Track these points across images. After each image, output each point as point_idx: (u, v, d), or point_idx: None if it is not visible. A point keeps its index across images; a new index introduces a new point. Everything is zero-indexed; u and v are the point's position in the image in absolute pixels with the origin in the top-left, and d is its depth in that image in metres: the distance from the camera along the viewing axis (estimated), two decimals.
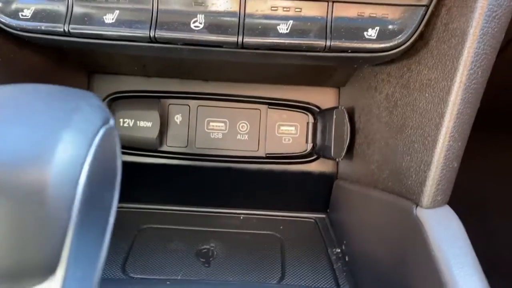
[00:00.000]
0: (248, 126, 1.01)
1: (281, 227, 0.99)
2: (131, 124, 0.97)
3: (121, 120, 0.98)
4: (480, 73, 0.59)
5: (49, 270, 0.34)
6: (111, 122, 0.41)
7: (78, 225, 0.35)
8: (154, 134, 0.97)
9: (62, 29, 0.64)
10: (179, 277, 0.82)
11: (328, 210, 1.04)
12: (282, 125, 1.01)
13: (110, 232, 0.42)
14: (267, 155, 1.01)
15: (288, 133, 1.01)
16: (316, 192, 1.04)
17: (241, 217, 1.01)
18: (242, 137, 1.01)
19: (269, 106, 1.01)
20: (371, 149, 0.82)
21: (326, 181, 1.02)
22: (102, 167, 0.38)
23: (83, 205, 0.35)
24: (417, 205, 0.64)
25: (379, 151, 0.79)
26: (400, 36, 0.64)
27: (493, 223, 1.42)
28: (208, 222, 0.98)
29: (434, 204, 0.64)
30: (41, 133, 0.35)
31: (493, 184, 1.44)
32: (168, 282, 0.69)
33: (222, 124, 1.01)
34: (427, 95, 0.65)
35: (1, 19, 0.65)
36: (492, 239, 1.37)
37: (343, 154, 0.88)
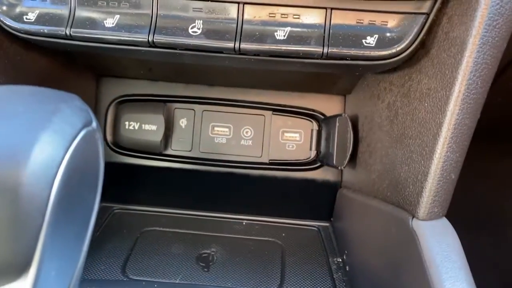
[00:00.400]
0: (252, 131, 1.01)
1: (283, 234, 0.98)
2: (136, 127, 0.98)
3: (127, 123, 0.99)
4: (479, 83, 0.57)
5: (21, 269, 0.35)
6: (94, 124, 0.41)
7: (53, 225, 0.36)
8: (158, 137, 0.98)
9: (64, 33, 0.66)
10: (177, 281, 0.82)
11: (332, 219, 1.03)
12: (286, 131, 1.00)
13: (90, 232, 0.43)
14: (271, 161, 1.01)
15: (292, 139, 1.00)
16: (319, 200, 1.03)
17: (244, 223, 1.01)
18: (246, 142, 1.01)
19: (274, 112, 1.01)
20: (373, 158, 0.81)
21: (330, 189, 1.01)
22: (81, 169, 0.39)
23: (59, 205, 0.36)
24: (413, 217, 0.63)
25: (380, 160, 0.78)
26: (399, 44, 0.63)
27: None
28: (210, 226, 0.98)
29: (431, 216, 0.62)
30: (19, 134, 0.35)
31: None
32: (155, 285, 0.69)
33: (227, 129, 1.01)
34: (426, 104, 0.64)
35: (6, 22, 0.67)
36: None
37: (346, 162, 0.87)
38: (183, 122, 1.01)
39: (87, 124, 0.40)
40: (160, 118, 0.97)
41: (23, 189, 0.34)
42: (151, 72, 0.95)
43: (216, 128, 1.01)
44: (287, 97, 1.01)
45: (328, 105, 1.00)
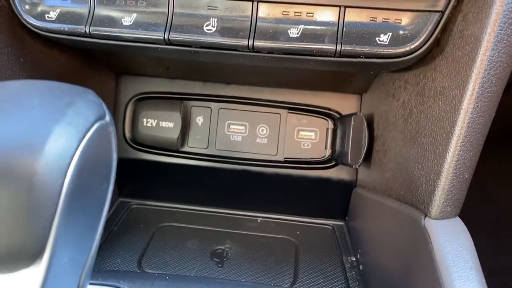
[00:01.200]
0: (268, 130, 1.01)
1: (298, 232, 0.99)
2: (154, 124, 1.00)
3: (145, 120, 1.01)
4: (494, 81, 0.57)
5: (35, 255, 0.36)
6: (107, 118, 0.43)
7: (66, 213, 0.37)
8: (175, 134, 0.99)
9: (83, 31, 0.68)
10: (192, 275, 0.84)
11: (346, 218, 1.03)
12: (302, 130, 1.00)
13: (103, 222, 0.44)
14: (286, 159, 1.01)
15: (308, 138, 1.00)
16: (334, 199, 1.03)
17: (258, 220, 1.02)
18: (262, 140, 1.01)
19: (289, 111, 1.01)
20: (387, 157, 0.81)
21: (345, 188, 1.01)
22: (94, 160, 0.40)
23: (72, 194, 0.37)
24: (425, 216, 0.63)
25: (394, 159, 0.77)
26: (413, 42, 0.63)
27: None
28: (225, 223, 1.00)
29: (443, 215, 0.62)
30: (34, 126, 0.37)
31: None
32: (167, 277, 0.70)
33: (242, 127, 1.02)
34: (440, 103, 0.63)
35: (29, 20, 0.69)
36: None
37: (360, 161, 0.87)
38: (199, 120, 1.02)
39: (101, 117, 0.41)
40: (177, 116, 0.99)
41: (37, 179, 0.35)
42: (168, 70, 0.97)
43: (232, 126, 1.02)
44: (303, 95, 1.01)
45: (344, 104, 1.00)
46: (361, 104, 0.99)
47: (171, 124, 0.99)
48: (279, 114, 1.01)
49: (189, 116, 1.02)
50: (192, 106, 1.02)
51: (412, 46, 0.63)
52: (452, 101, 0.60)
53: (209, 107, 1.02)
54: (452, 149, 0.59)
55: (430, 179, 0.63)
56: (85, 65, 0.92)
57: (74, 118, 0.39)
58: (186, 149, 1.03)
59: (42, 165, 0.35)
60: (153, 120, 1.00)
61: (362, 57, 0.66)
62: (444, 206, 0.61)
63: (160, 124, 1.00)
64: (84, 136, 0.38)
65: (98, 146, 0.41)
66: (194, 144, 1.03)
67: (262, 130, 1.01)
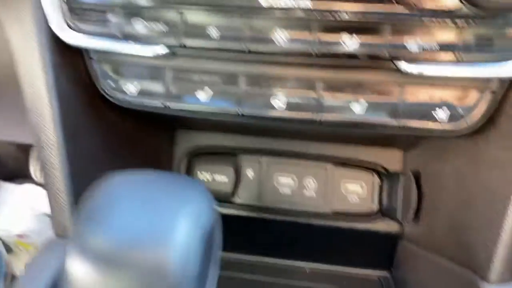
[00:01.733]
0: (315, 183, 1.06)
1: (345, 283, 1.02)
2: (209, 178, 1.06)
3: (199, 173, 1.07)
4: None
5: None
6: (215, 207, 0.49)
7: None
8: (228, 188, 1.05)
9: (162, 105, 0.74)
10: None
11: (392, 269, 1.06)
12: (348, 183, 1.05)
13: None
14: (333, 212, 1.05)
15: (354, 191, 1.04)
16: (381, 251, 1.06)
17: (307, 271, 1.06)
18: (309, 193, 1.06)
19: (336, 164, 1.05)
20: (437, 216, 0.85)
21: (392, 240, 1.04)
22: (208, 247, 0.46)
23: (195, 278, 0.43)
24: (482, 280, 0.67)
25: (445, 219, 0.81)
26: (469, 119, 0.68)
27: None
28: (275, 273, 1.04)
29: (501, 281, 0.65)
30: (163, 220, 0.43)
31: None
32: None
33: (290, 180, 1.07)
34: (494, 173, 0.67)
35: (114, 95, 0.76)
36: None
37: (410, 218, 0.91)
38: (250, 173, 1.07)
39: (212, 210, 0.47)
40: (230, 170, 1.05)
41: (170, 268, 0.41)
42: (225, 128, 1.03)
43: (280, 179, 1.07)
44: (349, 149, 1.05)
45: (390, 158, 1.03)
46: (406, 159, 1.03)
47: (225, 178, 1.05)
48: (326, 168, 1.06)
49: (241, 169, 1.08)
50: (244, 160, 1.08)
51: (469, 123, 0.68)
52: (508, 174, 0.64)
53: (259, 161, 1.07)
54: (509, 221, 0.63)
55: (486, 246, 0.67)
56: (149, 125, 0.99)
57: (194, 212, 0.44)
58: (237, 200, 1.08)
59: (173, 256, 0.41)
60: (207, 174, 1.06)
61: (418, 130, 0.71)
62: (502, 274, 0.65)
63: (214, 178, 1.06)
64: (203, 227, 0.44)
65: (213, 234, 0.46)
66: (244, 195, 1.08)
67: (310, 183, 1.06)
